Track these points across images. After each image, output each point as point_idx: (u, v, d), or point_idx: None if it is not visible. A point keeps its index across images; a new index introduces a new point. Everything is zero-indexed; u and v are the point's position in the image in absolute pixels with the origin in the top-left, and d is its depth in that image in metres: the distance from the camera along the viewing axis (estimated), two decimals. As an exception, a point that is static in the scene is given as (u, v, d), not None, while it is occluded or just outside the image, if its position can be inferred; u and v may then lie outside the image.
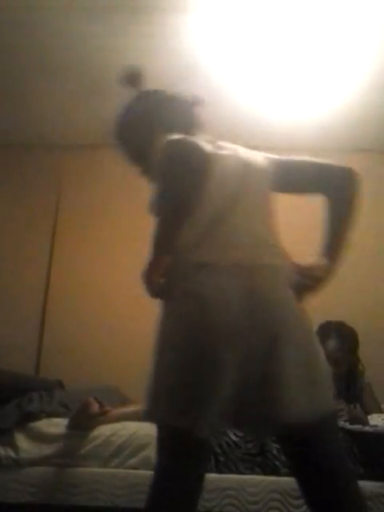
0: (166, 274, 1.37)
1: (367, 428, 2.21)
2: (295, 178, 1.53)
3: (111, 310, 3.47)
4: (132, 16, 2.64)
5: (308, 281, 1.38)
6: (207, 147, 1.42)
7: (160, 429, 1.35)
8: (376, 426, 2.25)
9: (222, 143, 1.52)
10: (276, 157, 1.54)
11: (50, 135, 3.71)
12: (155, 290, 1.37)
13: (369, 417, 2.39)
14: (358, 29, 2.66)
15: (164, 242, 1.35)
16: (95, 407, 2.36)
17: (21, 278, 3.59)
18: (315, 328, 1.56)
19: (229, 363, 1.25)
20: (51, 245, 3.69)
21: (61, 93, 3.25)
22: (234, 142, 1.55)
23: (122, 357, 3.28)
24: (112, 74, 3.10)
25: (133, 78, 1.63)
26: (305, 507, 1.62)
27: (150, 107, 1.61)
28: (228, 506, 2.09)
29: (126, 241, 3.61)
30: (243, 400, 1.25)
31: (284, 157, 1.54)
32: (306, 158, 1.53)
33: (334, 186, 1.48)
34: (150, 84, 3.33)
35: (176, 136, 1.41)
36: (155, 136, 1.49)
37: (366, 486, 2.07)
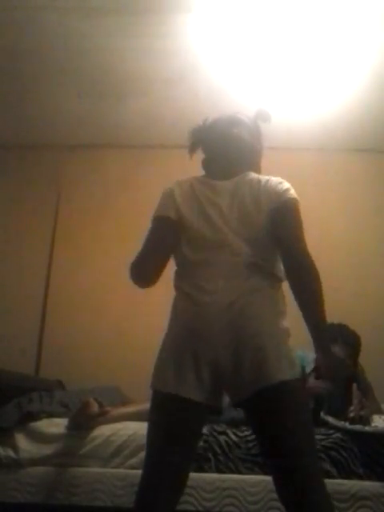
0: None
1: (367, 428, 2.20)
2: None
3: (111, 310, 3.47)
4: (132, 16, 2.64)
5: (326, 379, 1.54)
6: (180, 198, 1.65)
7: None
8: (376, 426, 2.25)
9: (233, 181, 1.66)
10: (276, 208, 1.61)
11: (50, 135, 3.71)
12: None
13: (369, 417, 2.39)
14: (358, 29, 2.66)
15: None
16: (95, 407, 2.36)
17: (21, 278, 3.59)
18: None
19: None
20: (51, 244, 3.69)
21: (61, 93, 3.25)
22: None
23: (122, 357, 3.28)
24: (112, 74, 3.12)
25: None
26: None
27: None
28: (228, 506, 2.09)
29: (126, 241, 3.60)
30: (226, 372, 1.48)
31: (282, 212, 1.61)
32: (286, 231, 1.59)
33: (291, 277, 1.55)
34: (150, 84, 3.33)
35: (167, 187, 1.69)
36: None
37: (366, 486, 2.07)
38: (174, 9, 2.57)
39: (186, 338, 1.53)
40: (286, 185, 1.65)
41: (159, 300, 3.37)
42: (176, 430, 1.52)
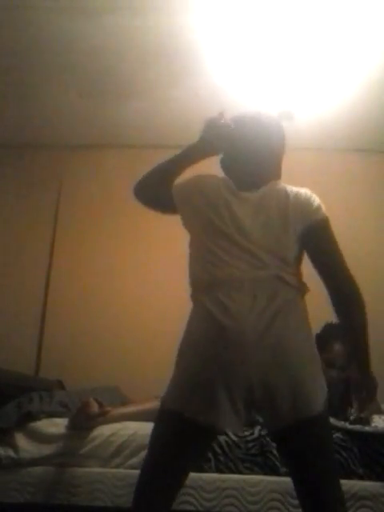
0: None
1: (367, 428, 2.20)
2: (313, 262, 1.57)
3: (111, 310, 3.47)
4: (132, 16, 2.64)
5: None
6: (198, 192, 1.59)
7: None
8: (376, 426, 2.25)
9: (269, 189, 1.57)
10: (308, 229, 1.54)
11: (50, 135, 3.71)
12: None
13: (369, 417, 2.39)
14: (359, 28, 2.66)
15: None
16: (95, 407, 2.36)
17: (21, 278, 3.59)
18: (318, 330, 1.56)
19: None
20: (51, 244, 3.69)
21: (61, 93, 3.26)
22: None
23: (122, 357, 3.28)
24: (112, 74, 3.12)
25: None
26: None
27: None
28: (228, 506, 2.09)
29: (126, 241, 3.61)
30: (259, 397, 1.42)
31: (315, 235, 1.55)
32: (327, 257, 1.56)
33: (340, 309, 1.55)
34: (150, 84, 3.32)
35: (198, 176, 1.64)
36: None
37: (366, 486, 2.08)
38: (175, 9, 2.57)
39: (217, 367, 1.41)
40: (316, 201, 1.57)
41: (159, 300, 3.39)
42: (189, 449, 1.48)
